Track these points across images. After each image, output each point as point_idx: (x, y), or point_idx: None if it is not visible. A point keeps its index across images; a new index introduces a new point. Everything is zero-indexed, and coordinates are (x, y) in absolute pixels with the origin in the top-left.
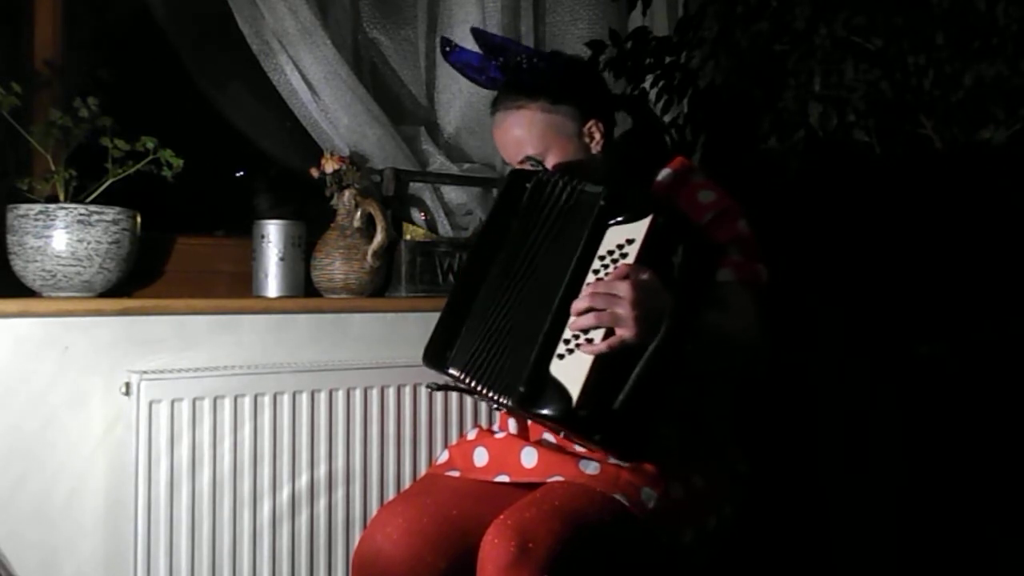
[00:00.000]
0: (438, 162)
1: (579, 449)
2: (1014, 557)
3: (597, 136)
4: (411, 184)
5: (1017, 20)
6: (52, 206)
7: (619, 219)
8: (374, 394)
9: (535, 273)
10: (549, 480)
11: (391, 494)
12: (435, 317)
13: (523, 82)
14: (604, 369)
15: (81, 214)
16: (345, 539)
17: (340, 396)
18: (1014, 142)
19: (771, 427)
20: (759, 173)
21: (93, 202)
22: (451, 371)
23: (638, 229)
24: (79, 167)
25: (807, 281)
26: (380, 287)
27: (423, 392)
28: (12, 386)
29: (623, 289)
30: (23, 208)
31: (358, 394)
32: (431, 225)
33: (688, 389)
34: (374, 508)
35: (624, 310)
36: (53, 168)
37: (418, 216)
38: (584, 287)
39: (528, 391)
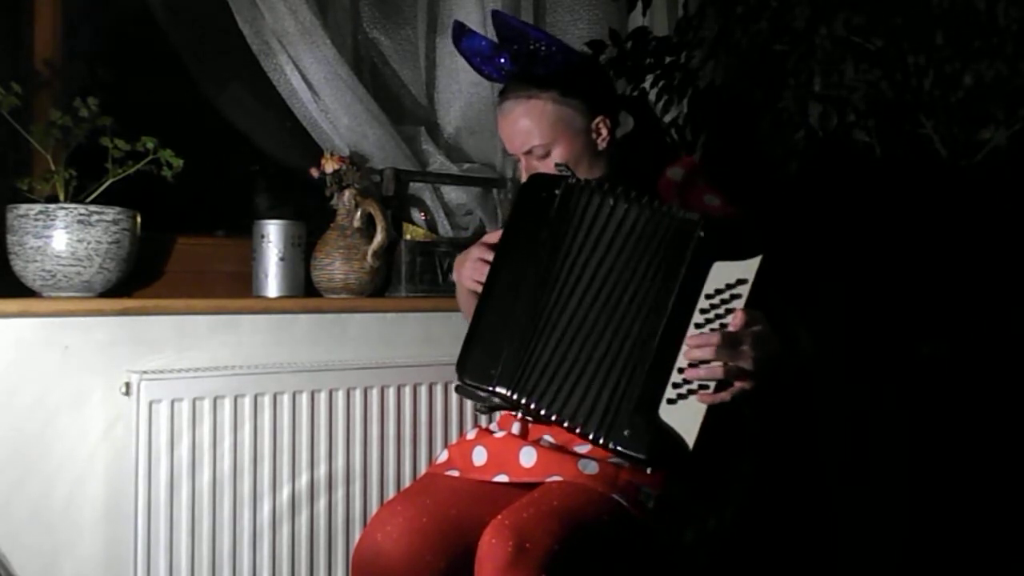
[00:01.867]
0: (438, 162)
1: (578, 449)
2: (1015, 557)
3: (604, 132)
4: (411, 184)
5: (1017, 20)
6: (52, 206)
7: (729, 255)
8: (374, 394)
9: (607, 297)
10: (548, 480)
11: (391, 494)
12: (435, 317)
13: (536, 72)
14: (716, 416)
15: (81, 214)
16: (345, 539)
17: (340, 396)
18: (1014, 142)
19: (772, 427)
20: (759, 173)
21: (93, 202)
22: (499, 390)
23: (748, 268)
24: (79, 167)
25: (807, 281)
26: (380, 287)
27: (423, 392)
28: (12, 386)
29: (748, 341)
30: (23, 208)
31: (358, 394)
32: (431, 225)
33: None
34: (374, 508)
35: (749, 364)
36: (53, 168)
37: (418, 216)
38: (692, 328)
39: (634, 434)
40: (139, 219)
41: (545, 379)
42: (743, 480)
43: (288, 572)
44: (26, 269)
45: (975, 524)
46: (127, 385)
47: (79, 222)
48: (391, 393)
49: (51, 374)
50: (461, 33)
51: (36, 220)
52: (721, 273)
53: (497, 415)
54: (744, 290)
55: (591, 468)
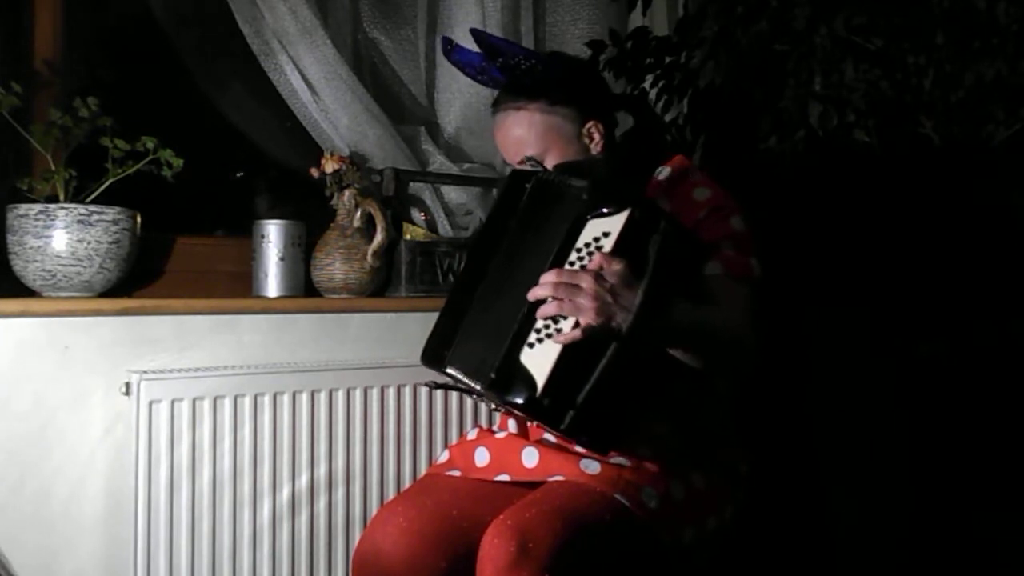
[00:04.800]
0: (438, 162)
1: (580, 449)
2: (1014, 557)
3: (597, 136)
4: (411, 184)
5: (1017, 20)
6: (52, 206)
7: (602, 212)
8: (374, 394)
9: (523, 268)
10: (550, 480)
11: (391, 494)
12: (435, 317)
13: (522, 83)
14: (570, 358)
15: (81, 214)
16: (345, 539)
17: (340, 396)
18: (1014, 142)
19: (771, 427)
20: (759, 173)
21: (93, 202)
22: (449, 371)
23: (616, 222)
24: (79, 167)
25: (807, 281)
26: (380, 287)
27: (423, 392)
28: (12, 386)
29: (585, 278)
30: (23, 208)
31: (358, 394)
32: (431, 225)
33: (682, 386)
34: (374, 508)
35: (585, 299)
36: (53, 168)
37: (418, 216)
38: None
39: (498, 378)
40: (139, 219)
41: (476, 356)
42: (742, 480)
43: (288, 572)
44: (26, 269)
45: (974, 524)
46: (127, 385)
47: (79, 222)
48: (391, 393)
49: (51, 374)
50: (450, 48)
51: (36, 220)
52: (592, 229)
53: (496, 416)
54: (608, 242)
55: (593, 468)
